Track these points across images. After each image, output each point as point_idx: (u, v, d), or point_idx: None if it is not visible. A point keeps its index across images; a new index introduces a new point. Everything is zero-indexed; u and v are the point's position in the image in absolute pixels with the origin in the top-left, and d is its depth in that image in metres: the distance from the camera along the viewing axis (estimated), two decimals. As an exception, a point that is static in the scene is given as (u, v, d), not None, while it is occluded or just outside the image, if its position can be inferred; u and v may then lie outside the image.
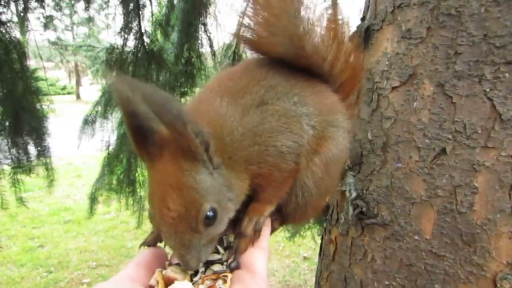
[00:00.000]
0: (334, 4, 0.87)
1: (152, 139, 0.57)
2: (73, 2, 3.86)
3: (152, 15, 3.56)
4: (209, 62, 4.13)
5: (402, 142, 1.08)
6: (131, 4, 3.12)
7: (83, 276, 4.36)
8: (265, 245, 0.66)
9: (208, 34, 3.80)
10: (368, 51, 1.21)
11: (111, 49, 3.03)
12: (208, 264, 0.60)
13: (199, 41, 3.73)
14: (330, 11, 0.84)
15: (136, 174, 3.43)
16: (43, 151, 2.87)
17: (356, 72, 0.90)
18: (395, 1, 1.12)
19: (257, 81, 0.70)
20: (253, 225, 0.66)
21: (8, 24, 2.41)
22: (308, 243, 5.16)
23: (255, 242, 0.65)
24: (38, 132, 2.76)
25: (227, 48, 3.87)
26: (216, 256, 0.62)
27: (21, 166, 2.79)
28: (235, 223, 0.72)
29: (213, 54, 3.92)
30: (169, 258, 0.65)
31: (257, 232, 0.67)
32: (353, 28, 1.24)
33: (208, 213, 0.56)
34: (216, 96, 0.68)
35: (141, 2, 3.22)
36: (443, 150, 1.02)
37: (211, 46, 3.85)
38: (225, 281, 0.55)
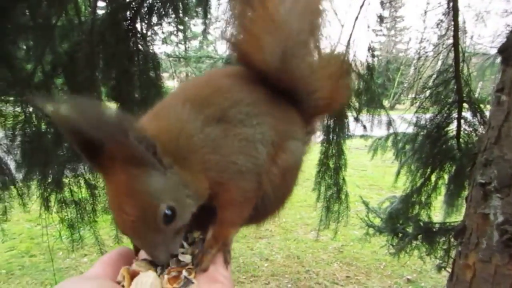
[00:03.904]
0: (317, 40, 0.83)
1: (102, 150, 0.56)
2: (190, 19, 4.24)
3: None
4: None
5: None
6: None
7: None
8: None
9: (318, 44, 3.83)
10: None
11: (229, 59, 3.25)
12: (173, 256, 0.62)
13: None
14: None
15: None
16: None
17: (334, 102, 0.89)
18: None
19: (222, 93, 0.71)
20: (210, 258, 0.64)
21: (148, 38, 2.75)
22: (413, 265, 4.82)
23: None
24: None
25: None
26: (181, 250, 0.64)
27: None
28: (198, 216, 0.73)
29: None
30: (135, 256, 0.66)
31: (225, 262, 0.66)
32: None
33: (166, 211, 0.58)
34: (178, 102, 0.69)
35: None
36: None
37: (319, 54, 3.88)
38: (190, 272, 0.57)
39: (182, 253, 0.63)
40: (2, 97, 2.48)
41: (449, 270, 3.49)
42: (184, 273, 0.58)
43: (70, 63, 2.58)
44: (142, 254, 0.65)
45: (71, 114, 0.51)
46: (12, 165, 2.64)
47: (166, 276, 0.57)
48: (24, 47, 2.81)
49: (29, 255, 4.81)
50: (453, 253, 3.44)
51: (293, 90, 0.80)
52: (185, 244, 0.66)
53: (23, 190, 2.78)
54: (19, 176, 2.73)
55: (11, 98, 2.49)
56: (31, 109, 2.51)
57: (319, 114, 0.91)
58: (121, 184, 0.57)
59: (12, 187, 2.71)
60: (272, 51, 0.74)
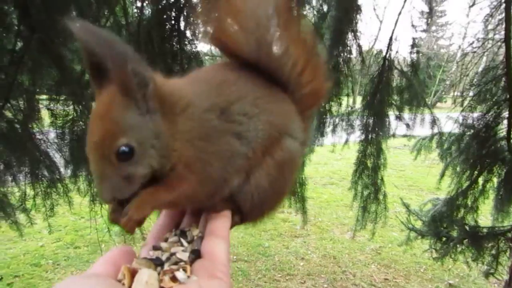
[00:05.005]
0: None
1: (107, 75, 0.60)
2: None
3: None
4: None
5: None
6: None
7: (225, 266, 4.79)
8: (225, 235, 0.67)
9: (358, 41, 3.76)
10: None
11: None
12: (172, 254, 0.62)
13: (348, 48, 3.71)
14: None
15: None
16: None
17: (319, 88, 0.88)
18: None
19: (229, 85, 0.72)
20: (134, 207, 0.62)
21: (190, 38, 2.79)
22: (455, 269, 4.64)
23: (216, 233, 0.67)
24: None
25: (377, 54, 3.78)
26: (180, 248, 0.64)
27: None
28: (198, 215, 0.75)
29: (362, 60, 3.87)
30: (136, 255, 0.65)
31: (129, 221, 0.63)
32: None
33: (123, 147, 0.58)
34: (195, 81, 0.73)
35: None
36: None
37: (360, 52, 3.81)
38: (186, 270, 0.58)
39: (182, 250, 0.64)
40: (54, 96, 2.59)
41: (498, 276, 3.33)
42: (181, 272, 0.58)
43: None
44: (143, 253, 0.66)
45: (86, 35, 0.57)
46: (61, 162, 2.77)
47: (166, 277, 0.58)
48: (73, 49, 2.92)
49: (74, 246, 5.05)
50: (502, 258, 3.27)
51: (278, 78, 0.81)
52: (184, 242, 0.67)
53: (70, 187, 2.91)
54: (67, 172, 2.86)
55: (62, 98, 2.60)
56: (80, 107, 2.62)
57: (308, 107, 0.91)
58: (101, 105, 0.61)
59: (59, 184, 2.84)
60: (248, 42, 0.76)
